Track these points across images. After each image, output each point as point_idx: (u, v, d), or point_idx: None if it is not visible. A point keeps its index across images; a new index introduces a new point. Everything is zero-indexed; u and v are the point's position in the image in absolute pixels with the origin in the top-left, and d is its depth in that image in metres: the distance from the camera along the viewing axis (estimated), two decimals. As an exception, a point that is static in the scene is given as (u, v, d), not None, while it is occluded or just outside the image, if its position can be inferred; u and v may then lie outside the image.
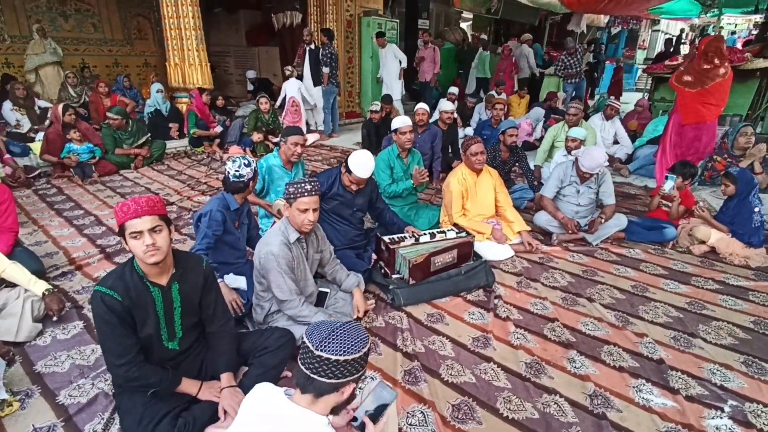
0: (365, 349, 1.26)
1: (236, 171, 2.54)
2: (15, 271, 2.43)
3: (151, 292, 1.69)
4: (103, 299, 1.59)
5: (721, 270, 3.27)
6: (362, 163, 2.79)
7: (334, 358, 1.21)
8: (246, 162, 2.58)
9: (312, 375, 1.22)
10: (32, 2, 8.74)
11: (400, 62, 8.32)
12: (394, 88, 8.41)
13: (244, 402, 1.37)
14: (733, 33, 20.15)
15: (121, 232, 1.62)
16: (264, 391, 1.34)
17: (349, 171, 2.82)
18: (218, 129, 6.53)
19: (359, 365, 1.26)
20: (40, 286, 2.43)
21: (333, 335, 1.25)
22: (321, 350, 1.22)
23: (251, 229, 2.84)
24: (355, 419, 1.28)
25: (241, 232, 2.71)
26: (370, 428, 1.32)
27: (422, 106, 4.84)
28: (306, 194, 2.13)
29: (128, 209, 1.58)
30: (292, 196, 2.15)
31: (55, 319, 2.43)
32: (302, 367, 1.24)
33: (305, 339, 1.26)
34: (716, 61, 4.39)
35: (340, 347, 1.22)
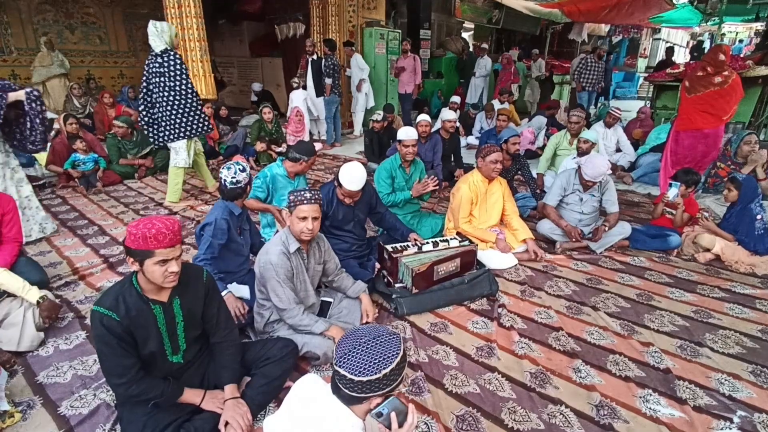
0: (385, 371, 1.16)
1: (233, 178, 2.53)
2: (6, 278, 2.39)
3: (152, 309, 1.66)
4: (102, 320, 1.55)
5: (727, 278, 3.24)
6: (352, 176, 2.73)
7: (349, 376, 1.17)
8: (241, 168, 2.57)
9: (339, 384, 1.21)
10: (39, 15, 8.88)
11: (362, 70, 8.23)
12: (357, 98, 8.41)
13: (292, 390, 1.37)
14: (741, 41, 20.07)
15: (140, 255, 1.54)
16: (312, 381, 1.35)
17: (340, 185, 2.78)
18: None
19: (382, 384, 1.17)
20: (33, 294, 2.40)
21: (354, 350, 1.19)
22: (339, 365, 1.19)
23: (253, 236, 2.83)
24: (380, 414, 1.20)
25: (243, 239, 2.70)
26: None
27: (425, 118, 4.86)
28: (305, 202, 2.12)
29: (164, 237, 1.53)
30: (292, 203, 2.14)
31: (46, 325, 2.40)
32: (333, 375, 1.23)
33: (335, 348, 1.25)
34: (708, 69, 4.38)
35: (357, 366, 1.16)
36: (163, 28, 4.12)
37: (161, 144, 4.38)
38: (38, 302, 2.40)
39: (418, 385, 2.11)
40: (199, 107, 4.37)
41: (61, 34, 9.19)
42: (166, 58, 4.07)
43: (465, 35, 14.30)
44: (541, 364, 2.27)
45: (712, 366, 2.27)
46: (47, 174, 5.25)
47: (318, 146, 7.52)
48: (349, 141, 8.46)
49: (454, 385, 2.13)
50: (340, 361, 1.19)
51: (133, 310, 1.61)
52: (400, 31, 10.10)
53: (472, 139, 7.75)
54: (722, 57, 4.37)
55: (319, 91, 7.53)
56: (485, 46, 10.68)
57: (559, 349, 2.40)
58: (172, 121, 4.21)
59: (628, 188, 5.53)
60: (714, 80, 4.34)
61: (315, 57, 7.43)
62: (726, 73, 4.36)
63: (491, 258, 3.32)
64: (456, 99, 8.01)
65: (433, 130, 5.38)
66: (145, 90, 4.18)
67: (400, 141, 3.64)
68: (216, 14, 10.90)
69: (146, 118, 4.25)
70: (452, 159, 5.40)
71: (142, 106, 4.26)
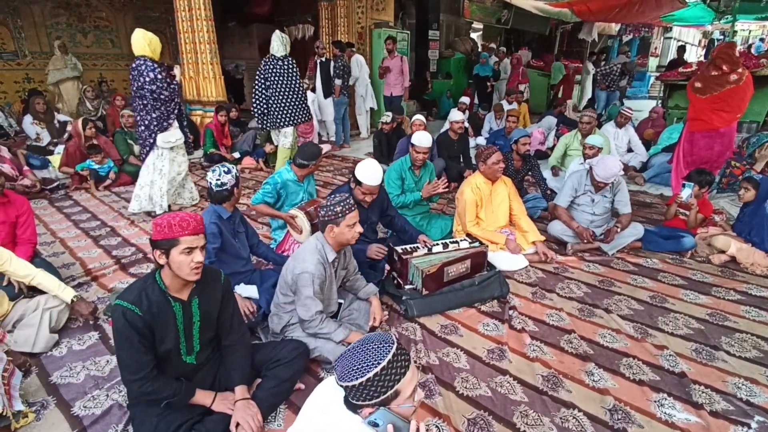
0: (361, 379, 1.14)
1: (218, 180, 2.50)
2: (43, 278, 2.46)
3: (172, 306, 1.70)
4: (125, 314, 1.59)
5: (743, 280, 3.18)
6: (370, 173, 2.74)
7: (337, 381, 1.20)
8: (225, 170, 2.54)
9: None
10: (52, 19, 9.01)
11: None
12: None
13: (312, 396, 1.37)
14: (762, 39, 19.58)
15: (166, 245, 1.60)
16: (331, 385, 1.35)
17: (359, 183, 2.78)
18: (236, 155, 6.52)
19: (364, 392, 1.15)
20: (68, 293, 2.47)
21: (344, 356, 1.22)
22: (334, 369, 1.22)
23: (251, 237, 2.82)
24: (375, 425, 1.17)
25: (239, 241, 2.68)
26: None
27: (419, 118, 4.86)
28: (353, 208, 2.16)
29: (187, 225, 1.62)
30: (340, 214, 2.12)
31: (91, 322, 2.51)
32: None
33: None
34: (724, 67, 4.31)
35: (340, 372, 1.19)
36: (287, 39, 5.12)
37: (273, 128, 5.36)
38: (72, 301, 2.45)
39: (429, 387, 2.10)
40: (305, 100, 5.41)
41: (74, 38, 9.32)
42: (287, 63, 5.10)
43: (474, 35, 14.25)
44: (553, 367, 2.24)
45: (729, 370, 2.23)
46: (60, 176, 5.32)
47: (326, 147, 7.53)
48: (357, 142, 8.46)
49: (465, 387, 2.11)
50: (335, 365, 1.23)
51: (154, 306, 1.65)
52: (408, 32, 10.10)
53: (481, 140, 7.71)
54: (738, 54, 4.32)
55: (328, 92, 7.55)
56: (494, 46, 10.66)
57: (572, 352, 2.38)
58: (285, 112, 5.19)
59: (640, 189, 5.47)
60: (730, 78, 4.28)
61: (324, 59, 7.45)
62: (740, 70, 4.30)
63: (502, 260, 3.30)
64: (465, 100, 7.98)
65: (441, 131, 5.38)
66: (262, 85, 5.10)
67: (413, 144, 3.62)
68: (225, 16, 10.99)
69: (260, 108, 5.16)
70: (461, 160, 5.38)
71: (258, 99, 5.14)
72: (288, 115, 5.24)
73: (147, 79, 3.88)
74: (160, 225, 1.62)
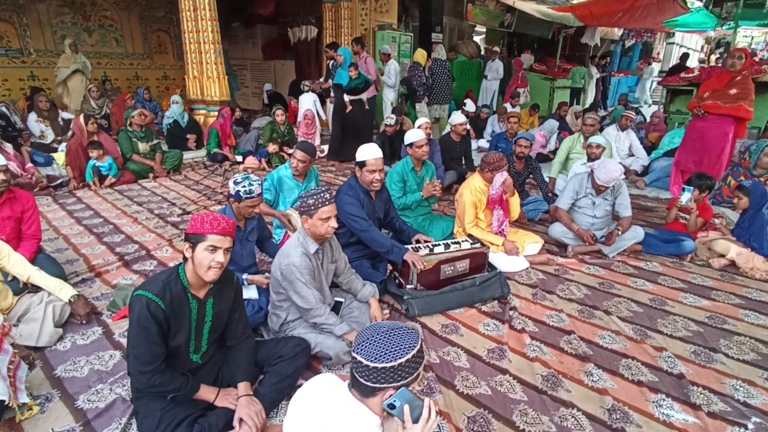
0: (400, 360, 1.19)
1: (245, 187, 2.49)
2: (39, 277, 2.48)
3: (189, 303, 1.73)
4: (149, 305, 1.61)
5: (742, 284, 3.20)
6: (369, 149, 2.85)
7: (365, 362, 1.20)
8: (249, 182, 2.51)
9: (355, 374, 1.24)
10: (57, 17, 9.05)
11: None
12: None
13: (304, 388, 1.39)
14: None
15: (194, 239, 1.68)
16: (327, 378, 1.37)
17: (363, 165, 2.84)
18: (238, 158, 6.54)
19: (396, 374, 1.19)
20: (66, 292, 2.49)
21: (372, 339, 1.23)
22: (356, 352, 1.23)
23: (264, 241, 2.86)
24: (392, 407, 1.19)
25: (243, 249, 2.66)
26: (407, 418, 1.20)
27: (425, 121, 4.89)
28: (327, 203, 2.17)
29: (218, 224, 1.69)
30: (312, 207, 2.15)
31: (84, 322, 2.51)
32: (351, 366, 1.26)
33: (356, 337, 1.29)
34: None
35: (373, 353, 1.20)
36: (442, 49, 8.06)
37: (434, 104, 8.04)
38: (69, 301, 2.47)
39: (429, 385, 2.12)
40: (451, 88, 8.37)
41: (79, 37, 9.35)
42: (447, 64, 7.93)
43: (477, 39, 14.28)
44: (553, 367, 2.26)
45: (727, 372, 2.25)
46: (65, 173, 5.35)
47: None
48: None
49: (466, 386, 2.13)
50: (358, 348, 1.23)
51: (175, 300, 1.69)
52: (411, 34, 10.12)
53: (483, 143, 7.75)
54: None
55: (326, 92, 7.60)
56: (497, 49, 10.68)
57: (571, 353, 2.39)
58: (441, 93, 7.95)
59: (641, 192, 5.49)
60: None
61: (333, 61, 7.47)
62: None
63: (503, 261, 3.31)
64: (467, 102, 8.00)
65: (443, 133, 5.41)
66: (430, 77, 7.72)
67: (411, 144, 3.63)
68: (230, 17, 11.02)
69: (424, 91, 7.75)
70: (463, 162, 5.40)
71: (426, 86, 7.74)
72: (443, 96, 7.96)
73: (420, 73, 7.37)
74: (195, 220, 1.70)
